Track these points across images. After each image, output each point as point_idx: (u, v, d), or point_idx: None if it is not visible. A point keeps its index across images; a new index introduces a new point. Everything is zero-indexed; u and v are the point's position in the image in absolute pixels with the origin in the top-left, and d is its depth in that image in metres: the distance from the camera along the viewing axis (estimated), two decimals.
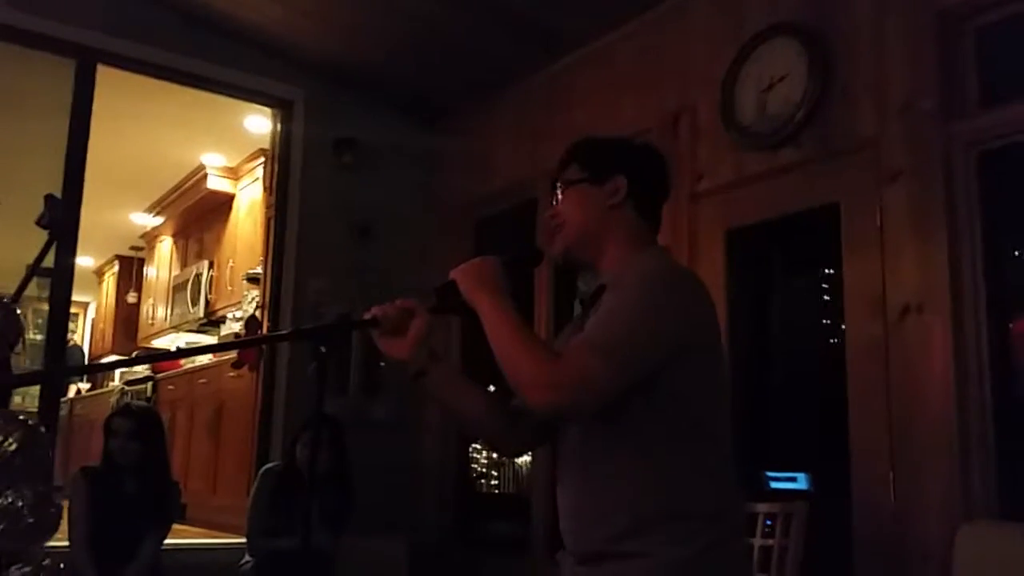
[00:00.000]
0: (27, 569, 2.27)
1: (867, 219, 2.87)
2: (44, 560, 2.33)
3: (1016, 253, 2.78)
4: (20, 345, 2.62)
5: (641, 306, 1.48)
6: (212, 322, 6.73)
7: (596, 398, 1.43)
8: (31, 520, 2.28)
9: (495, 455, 4.83)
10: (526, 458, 4.48)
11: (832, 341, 3.18)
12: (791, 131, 3.10)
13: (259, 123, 5.43)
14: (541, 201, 4.13)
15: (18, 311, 2.56)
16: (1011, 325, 2.66)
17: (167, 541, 3.63)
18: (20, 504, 2.27)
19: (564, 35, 4.18)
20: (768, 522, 2.54)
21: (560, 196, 1.69)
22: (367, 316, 1.59)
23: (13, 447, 2.28)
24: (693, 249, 3.43)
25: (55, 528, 2.57)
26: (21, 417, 2.48)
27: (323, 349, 1.54)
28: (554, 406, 1.45)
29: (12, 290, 2.64)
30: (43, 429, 2.51)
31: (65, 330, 4.42)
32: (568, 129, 4.10)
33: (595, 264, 1.66)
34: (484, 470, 4.94)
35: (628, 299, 1.49)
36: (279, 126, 4.96)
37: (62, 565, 2.34)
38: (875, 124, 2.90)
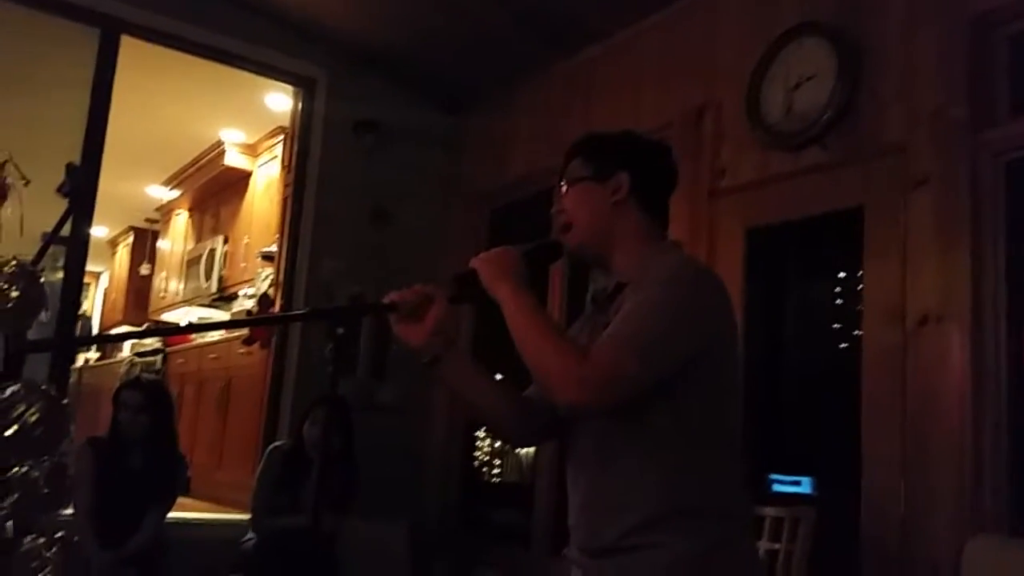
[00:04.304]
0: (41, 540, 2.27)
1: (891, 225, 2.84)
2: (57, 532, 2.33)
3: None
4: (45, 314, 2.62)
5: (669, 304, 1.47)
6: (224, 298, 6.74)
7: (625, 396, 1.43)
8: (46, 491, 2.29)
9: (498, 443, 4.83)
10: (530, 448, 4.47)
11: (843, 346, 3.15)
12: (817, 132, 3.06)
13: (280, 101, 5.42)
14: (556, 193, 4.11)
15: (42, 280, 2.54)
16: None
17: (170, 514, 3.65)
18: (36, 474, 2.28)
19: (590, 25, 4.14)
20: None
21: (565, 192, 1.69)
22: (386, 300, 1.59)
23: (35, 417, 2.28)
24: (712, 247, 3.40)
25: (70, 499, 2.58)
26: (44, 387, 2.48)
27: (340, 331, 1.54)
28: (584, 403, 1.44)
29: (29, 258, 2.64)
30: (65, 401, 2.51)
31: (78, 300, 4.43)
32: (589, 120, 4.07)
33: (606, 261, 1.66)
34: (487, 458, 4.93)
35: (655, 297, 1.48)
36: (300, 105, 4.95)
37: (76, 538, 2.34)
38: (903, 129, 2.86)
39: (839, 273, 3.22)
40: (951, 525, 2.52)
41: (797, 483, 3.13)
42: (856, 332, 3.00)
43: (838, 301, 3.25)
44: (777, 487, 3.15)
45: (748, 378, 3.10)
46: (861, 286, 2.97)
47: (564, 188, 1.70)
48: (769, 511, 2.62)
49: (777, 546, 2.57)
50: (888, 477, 2.72)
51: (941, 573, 2.50)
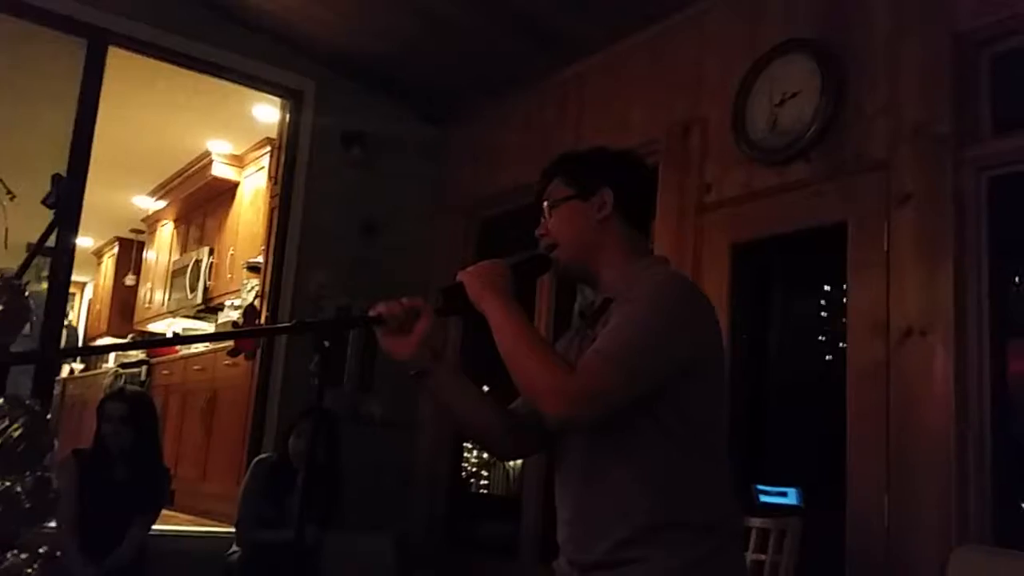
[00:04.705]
0: (24, 555, 2.25)
1: (874, 240, 2.87)
2: (40, 547, 2.31)
3: (1018, 280, 2.77)
4: (28, 328, 2.60)
5: (655, 319, 1.49)
6: (210, 309, 6.72)
7: (612, 409, 1.44)
8: (29, 505, 2.27)
9: (485, 455, 4.82)
10: (517, 461, 4.47)
11: (828, 359, 3.17)
12: (802, 147, 3.09)
13: (267, 112, 5.42)
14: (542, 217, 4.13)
15: (26, 293, 2.52)
16: (1012, 352, 2.65)
17: (155, 527, 3.62)
18: (19, 489, 2.25)
19: (579, 40, 4.16)
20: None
21: (548, 214, 1.69)
22: (373, 313, 1.59)
23: (18, 432, 2.26)
24: (698, 261, 3.42)
25: (52, 513, 2.55)
26: (28, 402, 2.46)
27: (327, 343, 1.54)
28: (569, 416, 1.46)
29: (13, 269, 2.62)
30: (48, 416, 2.49)
31: (63, 311, 4.40)
32: (577, 134, 4.09)
33: (593, 278, 1.67)
34: (474, 470, 4.93)
35: (641, 312, 1.49)
36: (288, 116, 4.95)
37: (58, 553, 2.33)
38: (887, 145, 2.89)
39: (824, 287, 3.24)
40: (936, 535, 2.54)
41: (783, 494, 3.14)
42: (841, 345, 3.02)
43: (823, 314, 3.27)
44: (763, 498, 3.16)
45: (734, 390, 3.13)
46: (845, 299, 3.00)
47: (547, 210, 1.70)
48: (755, 522, 2.62)
49: (763, 557, 2.57)
50: (873, 488, 2.74)
51: None
